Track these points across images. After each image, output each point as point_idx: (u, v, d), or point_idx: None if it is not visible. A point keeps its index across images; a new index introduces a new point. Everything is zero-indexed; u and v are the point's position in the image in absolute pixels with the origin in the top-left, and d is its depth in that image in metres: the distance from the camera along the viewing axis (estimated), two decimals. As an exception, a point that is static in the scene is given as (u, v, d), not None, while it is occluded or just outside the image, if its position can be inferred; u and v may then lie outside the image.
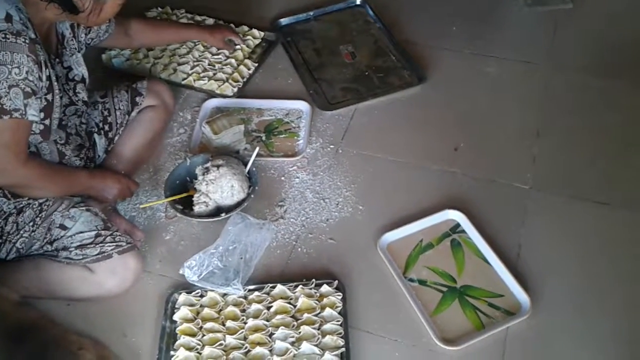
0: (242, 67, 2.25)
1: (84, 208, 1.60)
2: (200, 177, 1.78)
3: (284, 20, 2.49)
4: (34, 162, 1.52)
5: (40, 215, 1.57)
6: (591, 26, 2.48)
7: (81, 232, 1.55)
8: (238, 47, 2.31)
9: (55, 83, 1.52)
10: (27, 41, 1.38)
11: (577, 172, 1.91)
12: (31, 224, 1.57)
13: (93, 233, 1.56)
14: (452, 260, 1.68)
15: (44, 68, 1.45)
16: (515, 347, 1.50)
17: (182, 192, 1.80)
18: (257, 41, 2.38)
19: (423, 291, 1.61)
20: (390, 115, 2.12)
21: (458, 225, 1.75)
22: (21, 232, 1.57)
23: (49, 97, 1.50)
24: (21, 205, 1.58)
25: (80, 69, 1.68)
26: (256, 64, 2.29)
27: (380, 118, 2.11)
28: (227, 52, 2.31)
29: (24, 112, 1.40)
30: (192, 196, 1.77)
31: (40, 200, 1.59)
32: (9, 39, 1.36)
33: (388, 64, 2.30)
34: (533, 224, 1.76)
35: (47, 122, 1.52)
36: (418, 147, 2.00)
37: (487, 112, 2.13)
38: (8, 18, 1.38)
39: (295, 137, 2.05)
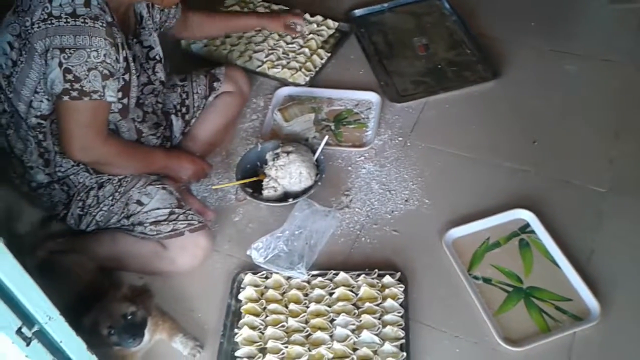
0: (315, 57, 2.28)
1: (160, 186, 1.66)
2: (270, 163, 1.81)
3: (358, 11, 2.49)
4: (113, 141, 1.60)
5: (119, 190, 1.65)
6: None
7: (156, 209, 1.62)
8: (303, 30, 2.31)
9: (132, 64, 1.57)
10: (104, 25, 1.43)
11: (657, 178, 1.83)
12: (110, 198, 1.65)
13: (167, 210, 1.62)
14: (520, 260, 1.65)
15: (121, 50, 1.50)
16: (581, 354, 1.46)
17: (252, 176, 1.85)
18: (330, 31, 2.40)
19: (487, 289, 1.59)
20: (462, 110, 2.09)
21: (528, 225, 1.71)
22: (101, 205, 1.65)
23: (127, 77, 1.55)
24: (102, 181, 1.66)
25: (158, 49, 1.73)
26: (329, 54, 2.30)
27: (451, 112, 2.09)
28: (300, 42, 2.34)
29: (102, 94, 1.46)
30: (261, 180, 1.82)
31: (120, 177, 1.66)
32: (87, 23, 1.41)
33: (462, 58, 2.26)
34: (607, 228, 1.70)
35: (125, 101, 1.58)
36: (489, 143, 1.97)
37: (564, 110, 2.06)
38: (87, 3, 1.43)
39: (364, 128, 2.06)
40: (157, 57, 1.72)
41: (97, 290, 1.49)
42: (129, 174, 1.67)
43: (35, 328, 1.12)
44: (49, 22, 1.41)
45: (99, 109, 1.50)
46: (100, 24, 1.43)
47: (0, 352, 1.26)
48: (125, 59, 1.53)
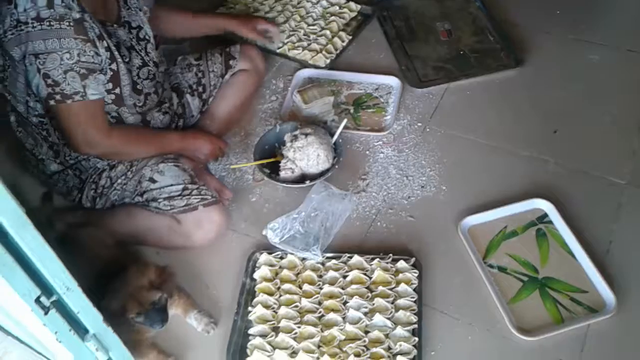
0: (336, 39, 2.26)
1: (172, 163, 1.67)
2: (288, 144, 1.81)
3: (381, -6, 2.47)
4: (118, 132, 1.59)
5: (131, 169, 1.67)
6: None
7: (169, 185, 1.63)
8: (278, 39, 2.14)
9: (117, 52, 1.54)
10: (71, 24, 1.40)
11: (680, 172, 1.80)
12: (123, 177, 1.66)
13: (180, 186, 1.63)
14: (536, 250, 1.64)
15: (99, 42, 1.47)
16: (595, 345, 1.45)
17: (270, 157, 1.85)
18: (353, 14, 2.38)
19: (502, 278, 1.59)
20: (483, 97, 2.07)
21: (545, 215, 1.70)
22: (114, 185, 1.67)
23: (114, 66, 1.53)
24: (113, 163, 1.67)
25: (146, 28, 1.67)
26: (350, 37, 2.29)
27: (472, 99, 2.07)
28: (322, 24, 2.32)
29: (84, 94, 1.46)
30: (279, 162, 1.82)
31: None
32: (53, 25, 1.39)
33: (485, 44, 2.24)
34: (627, 221, 1.68)
35: (117, 91, 1.56)
36: (509, 132, 1.95)
37: (586, 100, 2.03)
38: (50, 3, 1.39)
39: (383, 113, 2.05)
40: (146, 36, 1.67)
41: (114, 264, 1.51)
42: (143, 157, 1.67)
43: (54, 298, 1.14)
44: (19, 28, 1.39)
45: (89, 107, 1.49)
46: (67, 23, 1.40)
47: (20, 319, 1.29)
48: (108, 48, 1.51)
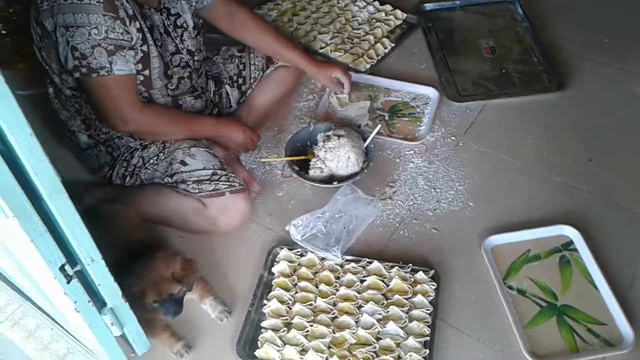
0: (378, 45, 2.27)
1: (204, 149, 1.70)
2: (320, 143, 1.82)
3: (428, 5, 2.47)
4: (151, 110, 1.62)
5: (163, 151, 1.70)
6: None
7: (199, 169, 1.65)
8: (346, 94, 2.00)
9: (149, 35, 1.56)
10: (101, 1, 1.42)
11: None
12: (155, 158, 1.70)
13: (210, 171, 1.65)
14: (558, 276, 1.61)
15: (130, 21, 1.49)
16: (607, 379, 1.43)
17: (301, 155, 1.86)
18: (398, 22, 2.39)
19: (520, 301, 1.57)
20: (521, 118, 2.05)
21: (571, 242, 1.68)
22: (146, 165, 1.70)
23: (144, 48, 1.55)
24: (146, 143, 1.70)
25: (185, 16, 1.68)
26: (393, 44, 2.30)
27: (509, 118, 2.05)
28: (366, 28, 2.33)
29: (109, 69, 1.48)
30: (309, 160, 1.83)
31: None
32: (83, 0, 1.41)
33: (528, 65, 2.22)
34: (654, 258, 1.65)
35: (146, 72, 1.59)
36: (544, 155, 1.92)
37: (625, 132, 2.00)
38: None
39: (418, 122, 2.04)
40: (185, 24, 1.68)
41: (138, 244, 1.54)
42: (175, 139, 1.69)
43: (77, 267, 1.17)
44: (53, 0, 1.43)
45: (121, 83, 1.52)
46: (97, 0, 1.42)
47: (41, 285, 1.32)
48: (140, 30, 1.53)
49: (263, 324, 1.51)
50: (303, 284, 1.58)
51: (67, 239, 1.11)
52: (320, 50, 2.26)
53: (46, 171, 0.98)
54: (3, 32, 2.12)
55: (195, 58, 1.73)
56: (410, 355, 1.42)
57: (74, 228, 1.09)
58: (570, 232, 1.69)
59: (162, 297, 1.39)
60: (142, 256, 1.43)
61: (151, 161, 1.70)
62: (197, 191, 1.64)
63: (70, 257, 1.14)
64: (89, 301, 1.22)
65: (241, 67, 1.94)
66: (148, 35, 1.55)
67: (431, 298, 1.54)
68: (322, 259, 1.64)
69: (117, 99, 1.54)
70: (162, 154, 1.69)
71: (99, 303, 1.28)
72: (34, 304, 1.62)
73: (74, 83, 1.59)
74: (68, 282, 1.15)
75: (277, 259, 1.64)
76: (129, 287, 1.34)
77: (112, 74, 1.49)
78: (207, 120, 1.77)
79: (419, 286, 1.57)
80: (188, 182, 1.65)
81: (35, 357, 1.52)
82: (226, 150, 1.81)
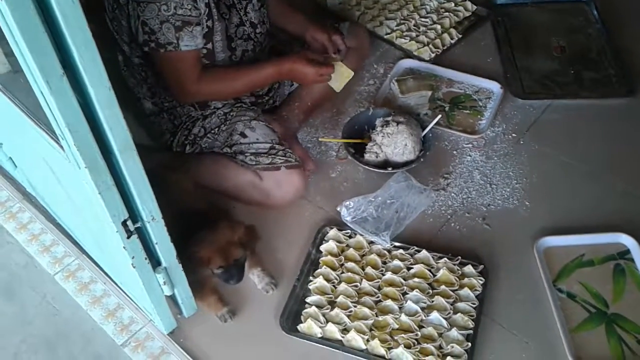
0: (445, 35, 2.24)
1: (263, 123, 1.72)
2: (378, 128, 1.82)
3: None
4: (209, 77, 1.64)
5: (225, 122, 1.73)
6: None
7: (258, 142, 1.68)
8: (337, 56, 1.83)
9: (215, 10, 1.58)
10: None
11: None
12: (216, 129, 1.73)
13: (268, 145, 1.68)
14: (611, 284, 1.57)
15: None
16: (654, 394, 1.39)
17: (358, 138, 1.87)
18: (467, 13, 2.34)
19: (569, 305, 1.54)
20: (586, 120, 1.99)
21: (628, 251, 1.63)
22: (207, 135, 1.74)
23: (209, 23, 1.58)
24: (207, 113, 1.74)
25: None
26: (460, 36, 2.26)
27: (573, 120, 2.00)
28: (434, 17, 2.31)
29: (176, 45, 1.52)
30: (365, 144, 1.83)
31: (226, 110, 1.74)
32: None
33: (598, 68, 2.15)
34: None
35: (209, 46, 1.62)
36: (607, 160, 1.87)
37: (697, 145, 1.92)
38: None
39: (479, 116, 2.01)
40: None
41: (194, 210, 1.57)
42: (240, 94, 1.74)
43: (138, 224, 1.21)
44: None
45: (186, 58, 1.56)
46: None
47: (101, 238, 1.37)
48: (208, 4, 1.55)
49: (308, 299, 1.53)
50: (350, 264, 1.59)
51: (131, 196, 1.15)
52: (385, 36, 2.24)
53: (120, 127, 1.02)
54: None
55: (258, 30, 1.74)
56: (452, 346, 1.41)
57: (139, 185, 1.12)
58: (627, 241, 1.64)
59: (227, 262, 1.42)
60: (195, 224, 1.46)
61: (212, 131, 1.73)
62: (254, 163, 1.66)
63: (133, 213, 1.18)
64: (146, 258, 1.27)
65: (305, 46, 1.94)
66: (214, 10, 1.58)
67: (478, 292, 1.53)
68: (371, 242, 1.64)
69: (181, 73, 1.59)
70: (223, 125, 1.73)
71: (154, 262, 1.32)
72: (90, 257, 1.68)
73: (142, 53, 1.64)
74: (128, 237, 1.19)
75: (325, 238, 1.66)
76: (195, 253, 1.38)
77: (178, 49, 1.53)
78: (267, 68, 1.70)
79: (466, 279, 1.55)
80: (246, 154, 1.67)
81: (87, 309, 1.58)
82: (285, 128, 1.83)
